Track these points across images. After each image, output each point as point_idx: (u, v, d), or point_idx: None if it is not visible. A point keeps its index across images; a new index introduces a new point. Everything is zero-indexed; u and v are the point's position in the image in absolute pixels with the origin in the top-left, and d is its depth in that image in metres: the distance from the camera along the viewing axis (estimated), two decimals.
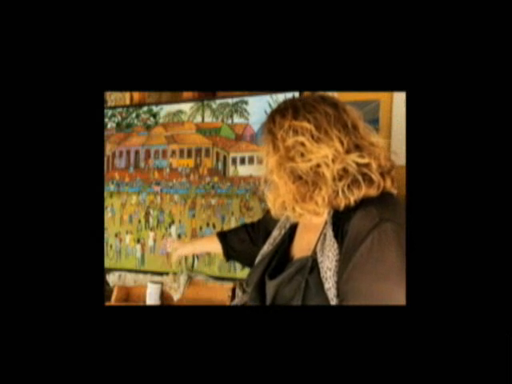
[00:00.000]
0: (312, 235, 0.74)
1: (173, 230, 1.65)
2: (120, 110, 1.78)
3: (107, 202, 1.77)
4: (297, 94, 1.44)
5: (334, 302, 0.65)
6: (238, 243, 1.08)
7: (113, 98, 1.89)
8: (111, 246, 1.76)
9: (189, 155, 1.63)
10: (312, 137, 0.66)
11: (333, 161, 0.65)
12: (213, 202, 1.58)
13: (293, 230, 0.81)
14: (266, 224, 1.02)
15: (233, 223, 1.53)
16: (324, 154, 0.65)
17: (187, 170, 1.63)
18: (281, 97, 1.45)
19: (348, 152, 0.66)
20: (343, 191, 0.65)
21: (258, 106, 1.47)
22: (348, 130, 0.68)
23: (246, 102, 1.51)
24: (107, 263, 1.74)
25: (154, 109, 1.70)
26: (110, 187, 1.78)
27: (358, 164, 0.66)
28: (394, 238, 0.63)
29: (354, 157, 0.65)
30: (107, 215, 1.76)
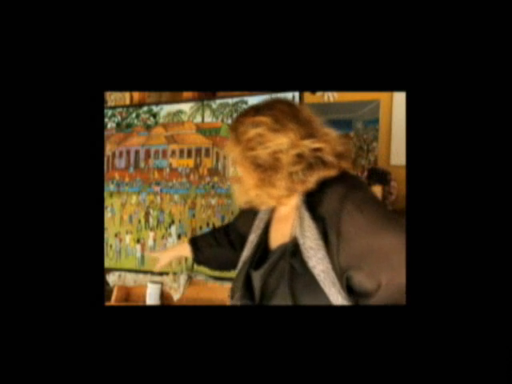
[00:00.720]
0: (284, 226, 0.79)
1: (173, 229, 1.65)
2: (120, 109, 1.78)
3: (107, 202, 1.77)
4: (297, 94, 1.44)
5: (320, 277, 0.68)
6: (206, 247, 1.14)
7: (113, 98, 1.89)
8: (111, 246, 1.76)
9: (189, 155, 1.63)
10: (270, 128, 0.73)
11: (289, 147, 0.72)
12: (213, 202, 1.58)
13: (267, 228, 0.87)
14: (236, 227, 1.10)
15: None
16: (280, 141, 0.72)
17: (187, 169, 1.63)
18: (281, 97, 1.45)
19: (302, 140, 0.73)
20: (299, 174, 0.72)
21: None
22: (302, 122, 0.75)
23: (246, 102, 1.51)
24: (107, 263, 1.74)
25: (154, 109, 1.70)
26: (110, 187, 1.78)
27: (311, 149, 0.73)
28: (366, 199, 0.70)
29: (307, 143, 0.72)
30: (107, 215, 1.76)
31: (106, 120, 1.79)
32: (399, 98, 2.37)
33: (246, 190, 0.79)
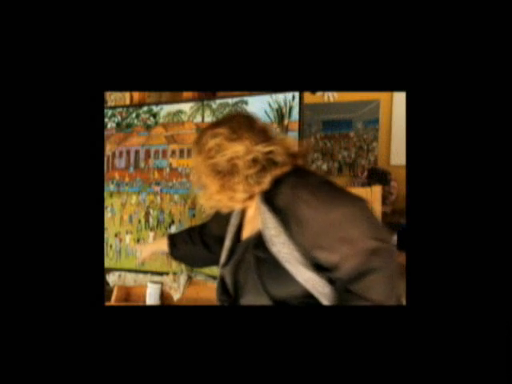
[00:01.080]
0: (250, 225, 0.87)
1: (173, 230, 1.65)
2: (120, 109, 1.78)
3: (107, 202, 1.77)
4: (297, 94, 1.44)
5: (286, 259, 0.72)
6: (182, 244, 1.20)
7: (113, 97, 1.89)
8: (111, 246, 1.76)
9: (189, 155, 1.63)
10: (227, 138, 0.81)
11: (244, 154, 0.80)
12: None
13: (239, 232, 0.93)
14: (210, 229, 1.16)
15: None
16: (236, 149, 0.80)
17: (187, 169, 1.63)
18: (281, 97, 1.45)
19: (256, 146, 0.80)
20: (254, 177, 0.79)
21: (258, 106, 1.47)
22: (257, 131, 0.83)
23: (246, 102, 1.51)
24: (107, 263, 1.74)
25: (154, 109, 1.70)
26: (110, 187, 1.78)
27: (264, 152, 0.80)
28: (316, 183, 0.75)
29: (260, 147, 0.80)
30: (107, 215, 1.76)
31: (106, 120, 1.79)
32: (399, 98, 2.37)
33: (209, 195, 0.86)
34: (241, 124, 0.83)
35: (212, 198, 0.86)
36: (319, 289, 0.71)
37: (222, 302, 0.86)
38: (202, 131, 0.88)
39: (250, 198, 0.84)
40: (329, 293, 0.72)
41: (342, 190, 0.75)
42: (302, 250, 0.72)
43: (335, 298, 0.71)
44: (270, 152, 0.80)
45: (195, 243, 1.17)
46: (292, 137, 0.89)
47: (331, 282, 0.72)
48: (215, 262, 0.95)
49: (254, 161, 0.79)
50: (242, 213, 0.92)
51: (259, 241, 0.78)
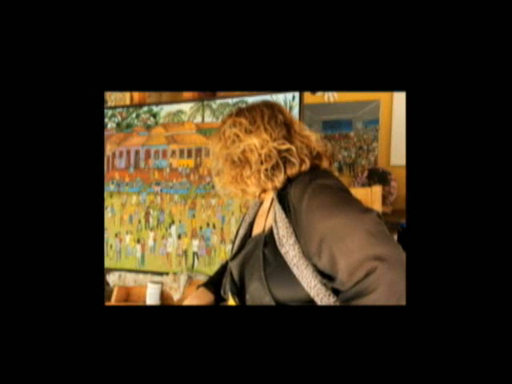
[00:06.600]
0: (262, 220, 0.85)
1: (173, 229, 1.65)
2: (120, 109, 1.78)
3: (107, 202, 1.77)
4: (297, 94, 1.45)
5: (294, 262, 0.70)
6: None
7: (113, 98, 1.89)
8: (111, 246, 1.76)
9: (189, 155, 1.63)
10: (245, 130, 0.80)
11: (259, 147, 0.78)
12: (213, 202, 1.58)
13: (252, 223, 0.92)
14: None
15: (233, 223, 1.53)
16: (252, 142, 0.78)
17: (187, 169, 1.63)
18: (281, 97, 1.45)
19: (273, 141, 0.78)
20: (267, 172, 0.78)
21: None
22: (278, 125, 0.80)
23: (246, 102, 1.51)
24: (107, 263, 1.74)
25: (154, 109, 1.70)
26: (110, 187, 1.78)
27: (280, 150, 0.78)
28: (325, 186, 0.71)
29: (276, 144, 0.78)
30: (107, 215, 1.76)
31: (106, 120, 1.79)
32: (399, 98, 2.38)
33: (224, 183, 0.85)
34: (263, 115, 0.80)
35: (225, 187, 0.86)
36: (323, 298, 0.69)
37: (233, 293, 0.83)
38: (226, 118, 0.86)
39: (264, 191, 0.82)
40: (332, 303, 0.69)
41: (351, 199, 0.70)
42: (306, 255, 0.69)
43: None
44: (287, 150, 0.77)
45: None
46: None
47: (335, 292, 0.69)
48: None
49: (268, 156, 0.77)
50: (259, 206, 0.91)
51: (269, 239, 0.75)
